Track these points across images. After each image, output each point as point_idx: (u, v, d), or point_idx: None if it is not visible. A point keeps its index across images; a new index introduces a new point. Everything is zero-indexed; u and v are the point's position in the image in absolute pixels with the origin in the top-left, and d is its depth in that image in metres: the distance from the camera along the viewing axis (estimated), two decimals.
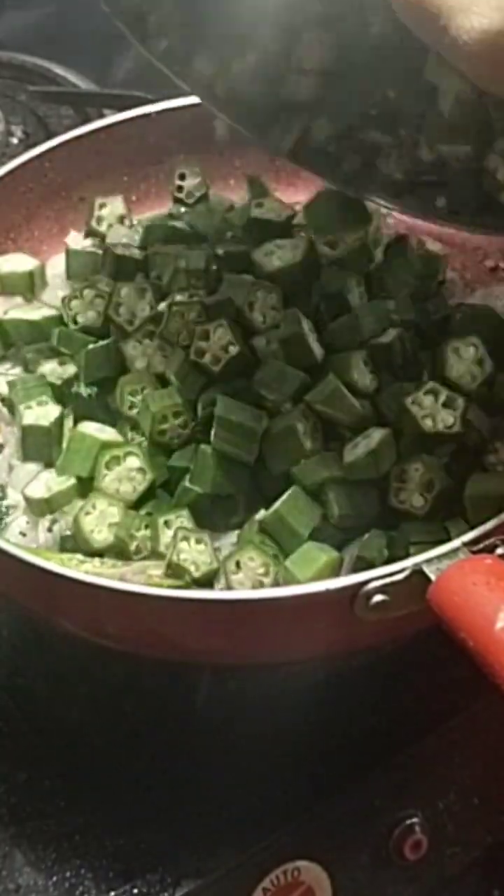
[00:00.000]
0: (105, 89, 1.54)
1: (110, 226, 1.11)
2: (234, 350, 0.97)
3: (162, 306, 1.01)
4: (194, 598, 0.86)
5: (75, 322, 1.03)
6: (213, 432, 0.94)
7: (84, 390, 0.99)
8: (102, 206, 1.12)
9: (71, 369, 1.01)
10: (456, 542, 0.84)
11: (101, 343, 1.01)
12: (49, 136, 1.25)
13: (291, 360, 0.96)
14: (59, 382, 1.01)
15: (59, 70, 1.53)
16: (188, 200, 1.13)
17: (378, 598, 0.83)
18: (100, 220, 1.12)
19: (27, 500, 0.96)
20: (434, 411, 0.94)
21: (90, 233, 1.12)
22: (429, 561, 0.82)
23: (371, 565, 0.89)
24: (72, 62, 1.54)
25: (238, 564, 0.91)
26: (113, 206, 1.12)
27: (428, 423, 0.94)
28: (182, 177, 1.14)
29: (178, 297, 1.00)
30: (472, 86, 0.78)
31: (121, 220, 1.11)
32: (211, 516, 0.94)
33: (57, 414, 0.99)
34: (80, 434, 0.97)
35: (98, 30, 1.67)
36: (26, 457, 0.99)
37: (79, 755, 0.95)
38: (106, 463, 0.95)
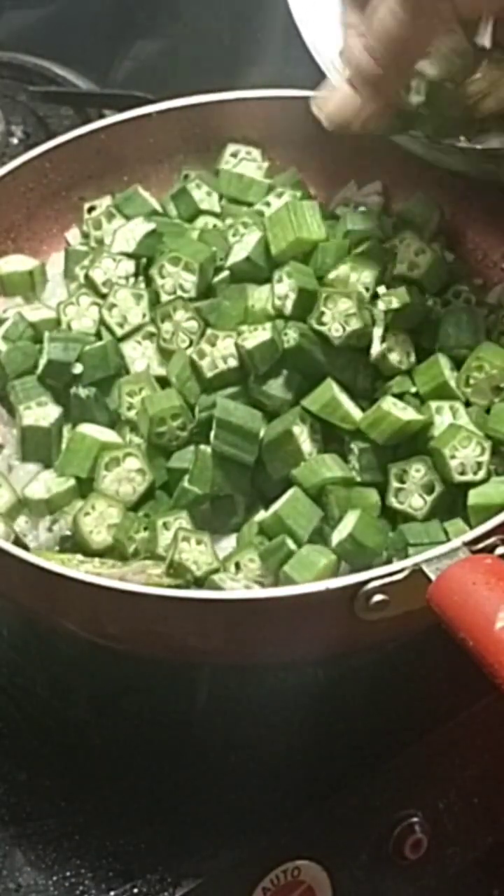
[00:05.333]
0: (105, 89, 1.54)
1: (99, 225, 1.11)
2: (232, 363, 0.97)
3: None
4: (194, 597, 0.86)
5: (70, 328, 1.03)
6: (212, 434, 0.94)
7: (83, 391, 0.99)
8: (92, 209, 1.12)
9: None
10: (456, 542, 0.84)
11: (99, 343, 1.01)
12: (49, 136, 1.25)
13: (291, 364, 0.96)
14: (59, 386, 1.01)
15: (59, 70, 1.53)
16: None
17: (378, 597, 0.83)
18: (92, 222, 1.11)
19: (26, 500, 0.96)
20: (465, 458, 0.94)
21: (84, 235, 1.12)
22: (429, 561, 0.82)
23: (370, 566, 0.89)
24: (72, 62, 1.54)
25: (238, 565, 0.91)
26: (102, 208, 1.12)
27: (460, 471, 0.93)
28: (186, 178, 1.13)
29: (165, 298, 1.01)
30: None
31: (110, 219, 1.11)
32: (210, 517, 0.94)
33: (56, 415, 0.99)
34: (79, 435, 0.97)
35: (98, 30, 1.68)
36: (26, 457, 0.99)
37: (79, 755, 0.95)
38: (105, 464, 0.95)
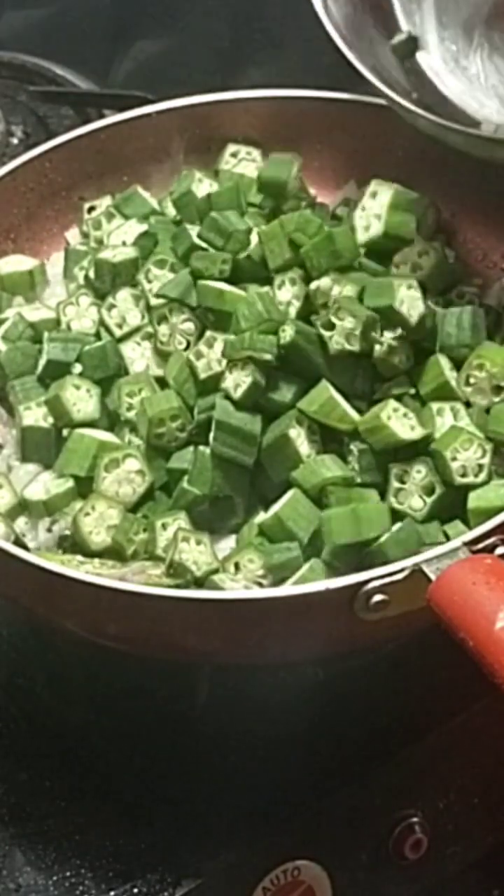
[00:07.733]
0: (105, 89, 1.54)
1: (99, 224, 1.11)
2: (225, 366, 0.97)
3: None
4: (194, 598, 0.86)
5: (69, 329, 1.03)
6: (211, 435, 0.94)
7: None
8: (91, 209, 1.12)
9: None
10: (456, 542, 0.84)
11: (98, 344, 1.01)
12: (49, 136, 1.25)
13: (289, 366, 0.96)
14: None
15: (59, 70, 1.53)
16: None
17: (378, 597, 0.83)
18: (91, 223, 1.11)
19: (25, 502, 0.96)
20: (466, 461, 0.93)
21: (84, 235, 1.12)
22: (429, 561, 0.83)
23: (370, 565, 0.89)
24: (72, 62, 1.54)
25: (237, 566, 0.91)
26: (102, 208, 1.12)
27: (461, 473, 0.93)
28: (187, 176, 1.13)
29: (154, 302, 1.01)
30: None
31: (110, 219, 1.11)
32: (209, 518, 0.94)
33: None
34: (78, 434, 0.97)
35: (98, 30, 1.68)
36: (25, 458, 0.99)
37: (79, 755, 0.95)
38: (105, 465, 0.95)
